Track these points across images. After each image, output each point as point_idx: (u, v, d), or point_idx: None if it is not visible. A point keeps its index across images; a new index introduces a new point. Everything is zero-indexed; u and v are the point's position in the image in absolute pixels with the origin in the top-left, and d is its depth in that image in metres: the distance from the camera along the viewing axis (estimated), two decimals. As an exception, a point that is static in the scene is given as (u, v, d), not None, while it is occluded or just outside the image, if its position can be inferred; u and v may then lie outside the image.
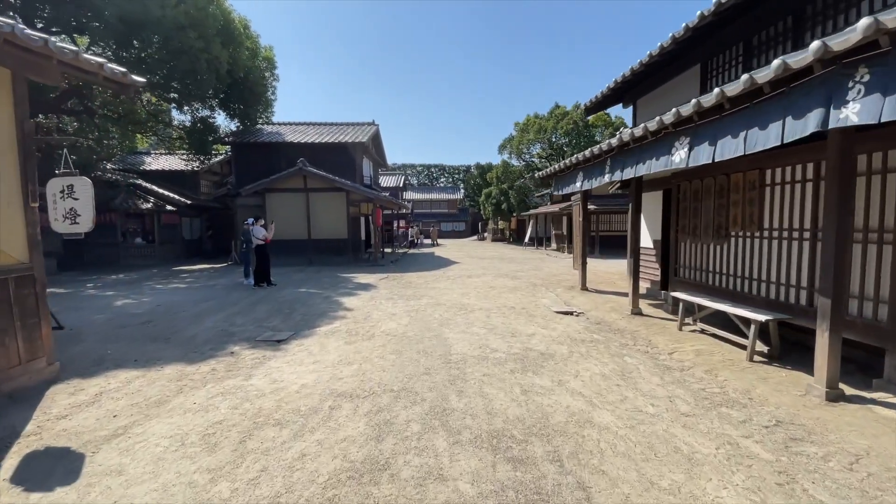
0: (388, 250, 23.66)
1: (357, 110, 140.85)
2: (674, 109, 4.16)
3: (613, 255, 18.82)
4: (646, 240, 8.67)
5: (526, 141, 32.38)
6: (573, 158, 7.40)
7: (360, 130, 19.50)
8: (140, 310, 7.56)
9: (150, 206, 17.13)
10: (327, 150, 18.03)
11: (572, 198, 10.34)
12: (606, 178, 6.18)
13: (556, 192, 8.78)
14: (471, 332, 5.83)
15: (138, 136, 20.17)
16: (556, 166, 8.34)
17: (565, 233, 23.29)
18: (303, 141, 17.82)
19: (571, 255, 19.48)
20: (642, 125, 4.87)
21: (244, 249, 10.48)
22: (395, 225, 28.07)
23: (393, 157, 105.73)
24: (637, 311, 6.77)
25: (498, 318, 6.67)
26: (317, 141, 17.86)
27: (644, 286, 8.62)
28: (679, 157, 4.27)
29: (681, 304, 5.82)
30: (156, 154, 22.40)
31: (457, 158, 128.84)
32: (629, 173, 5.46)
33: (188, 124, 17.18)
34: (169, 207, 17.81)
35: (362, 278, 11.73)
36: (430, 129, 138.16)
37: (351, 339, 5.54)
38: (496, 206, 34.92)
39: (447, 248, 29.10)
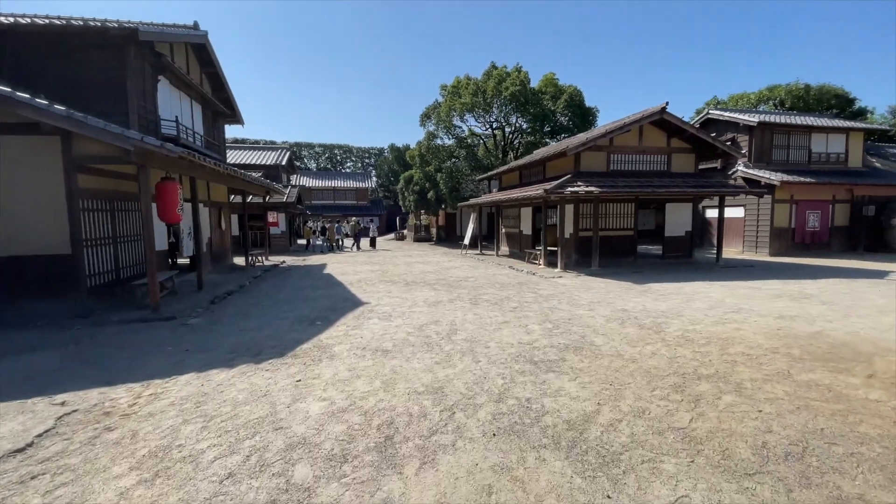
0: (239, 260, 13.71)
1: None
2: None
3: (628, 272, 11.48)
4: None
5: (459, 106, 24.26)
6: None
7: (156, 30, 9.36)
8: None
9: None
10: (61, 50, 7.78)
11: None
12: None
13: None
14: None
15: None
16: None
17: (528, 232, 15.68)
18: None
19: (562, 271, 11.63)
20: None
21: None
22: (266, 220, 17.93)
23: (283, 136, 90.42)
24: None
25: None
26: (30, 21, 7.46)
27: None
28: None
29: None
30: None
31: (367, 140, 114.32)
32: None
33: None
34: None
35: None
36: (333, 108, 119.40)
37: None
38: (419, 194, 26.37)
39: (352, 255, 19.76)
